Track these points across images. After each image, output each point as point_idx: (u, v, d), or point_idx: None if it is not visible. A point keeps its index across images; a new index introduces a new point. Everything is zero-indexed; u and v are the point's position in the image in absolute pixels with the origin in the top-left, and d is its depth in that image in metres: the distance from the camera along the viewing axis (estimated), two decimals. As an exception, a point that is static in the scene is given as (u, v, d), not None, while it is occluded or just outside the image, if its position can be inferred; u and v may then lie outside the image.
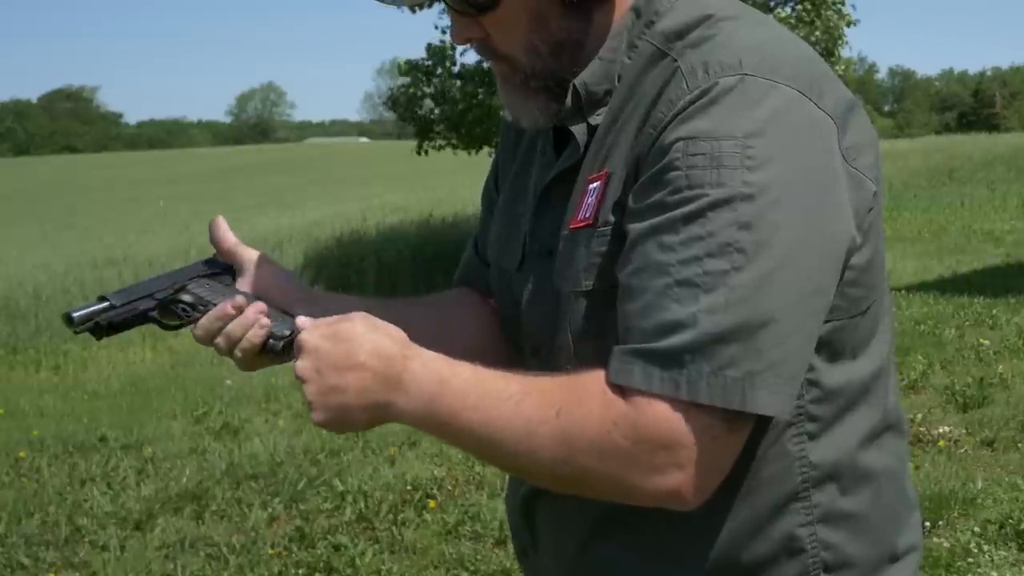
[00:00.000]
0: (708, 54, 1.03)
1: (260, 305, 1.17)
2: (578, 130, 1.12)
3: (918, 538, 1.18)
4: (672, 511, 1.02)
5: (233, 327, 1.16)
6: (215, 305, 1.18)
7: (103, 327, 1.17)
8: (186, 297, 1.20)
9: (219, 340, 1.17)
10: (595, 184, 1.08)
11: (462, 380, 1.02)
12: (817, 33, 13.46)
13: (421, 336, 1.26)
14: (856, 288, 1.05)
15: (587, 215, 1.08)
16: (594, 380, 0.99)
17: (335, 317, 1.06)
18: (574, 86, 1.10)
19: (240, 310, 1.16)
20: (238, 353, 1.17)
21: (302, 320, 1.08)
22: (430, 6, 1.28)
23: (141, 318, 1.19)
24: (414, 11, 9.79)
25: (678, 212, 0.96)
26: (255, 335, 1.16)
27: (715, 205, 0.95)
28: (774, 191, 0.95)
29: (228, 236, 1.25)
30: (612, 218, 1.05)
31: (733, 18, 1.06)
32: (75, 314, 1.16)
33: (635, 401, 0.96)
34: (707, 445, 0.95)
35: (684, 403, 0.94)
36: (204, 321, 1.17)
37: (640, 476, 0.97)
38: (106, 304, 1.18)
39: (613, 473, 0.98)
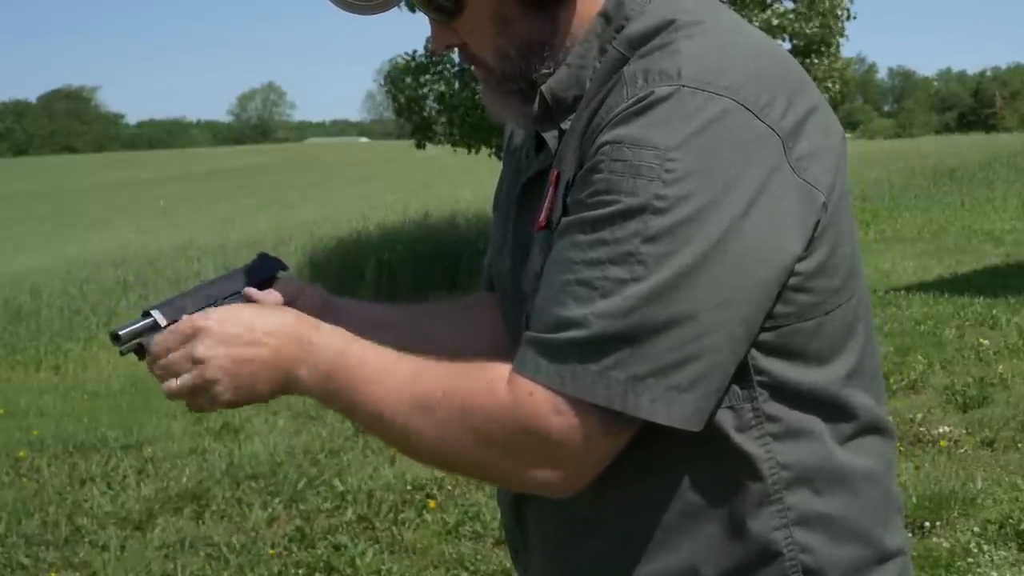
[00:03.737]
0: (652, 62, 1.03)
1: None
2: (550, 135, 1.14)
3: (904, 541, 1.18)
4: (645, 514, 1.06)
5: None
6: None
7: (146, 350, 1.17)
8: None
9: None
10: (551, 187, 1.11)
11: (358, 356, 1.07)
12: (815, 27, 13.42)
13: (441, 340, 1.32)
14: (806, 294, 1.04)
15: (543, 217, 1.11)
16: (487, 369, 1.03)
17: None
18: (541, 92, 1.12)
19: None
20: None
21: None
22: (413, 10, 1.31)
23: None
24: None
25: (592, 213, 0.99)
26: None
27: (625, 213, 0.97)
28: (687, 207, 0.96)
29: None
30: (557, 220, 1.07)
31: (695, 24, 1.06)
32: (121, 332, 1.16)
33: (518, 392, 0.99)
34: (581, 443, 0.99)
35: (565, 398, 0.97)
36: None
37: (513, 465, 1.02)
38: (150, 321, 1.17)
39: (486, 460, 1.03)
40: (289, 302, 1.27)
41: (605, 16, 1.10)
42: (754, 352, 1.03)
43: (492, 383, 1.01)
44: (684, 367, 0.97)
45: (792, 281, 1.03)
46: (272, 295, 1.29)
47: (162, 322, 1.17)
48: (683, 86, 0.99)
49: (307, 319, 1.11)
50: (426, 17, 1.15)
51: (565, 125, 1.12)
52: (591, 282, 0.97)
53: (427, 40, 13.64)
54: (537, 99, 1.12)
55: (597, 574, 1.13)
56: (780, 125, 1.01)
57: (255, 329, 1.09)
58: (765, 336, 1.03)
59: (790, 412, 1.06)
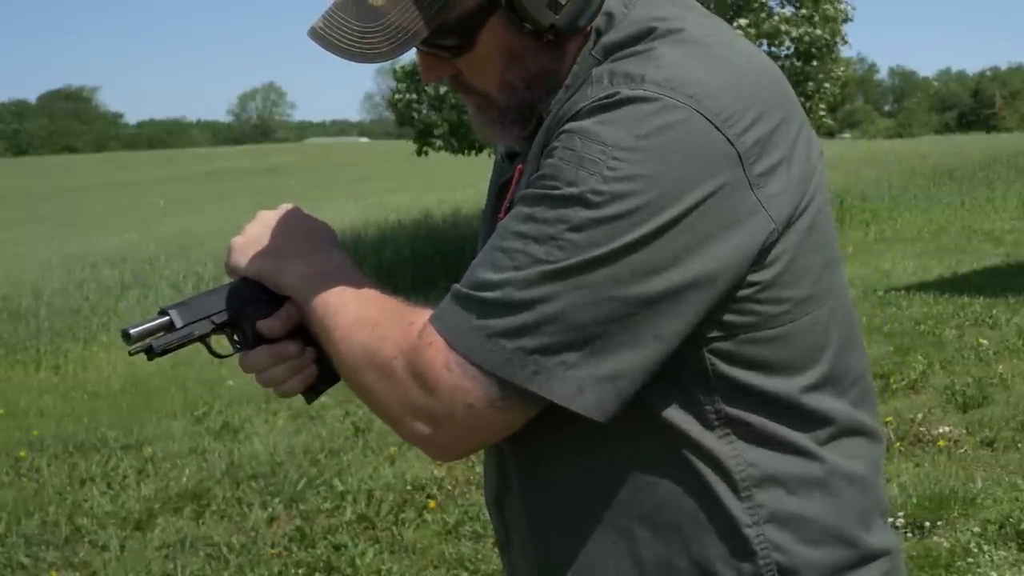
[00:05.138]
0: (621, 65, 1.04)
1: (312, 353, 1.19)
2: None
3: (890, 542, 1.17)
4: (614, 511, 1.07)
5: (281, 370, 1.19)
6: (267, 340, 1.17)
7: (156, 352, 1.15)
8: (244, 325, 1.18)
9: (264, 376, 1.19)
10: (513, 182, 1.14)
11: (355, 277, 1.13)
12: (818, 31, 13.42)
13: None
14: (765, 304, 1.04)
15: (503, 210, 1.14)
16: (417, 311, 1.06)
17: None
18: (540, 116, 1.12)
19: (293, 356, 1.18)
20: (277, 389, 1.20)
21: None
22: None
23: (195, 341, 1.17)
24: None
25: (534, 191, 1.01)
26: (297, 385, 1.20)
27: (560, 200, 0.99)
28: (618, 206, 0.97)
29: None
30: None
31: (674, 32, 1.06)
32: (132, 330, 1.13)
33: (423, 338, 1.02)
34: (462, 406, 1.01)
35: (458, 355, 1.00)
36: (255, 359, 1.18)
37: (400, 407, 1.05)
38: (166, 320, 1.15)
39: (381, 394, 1.06)
40: None
41: (597, 32, 1.10)
42: (712, 359, 1.04)
43: (412, 325, 1.04)
44: (574, 348, 0.99)
45: (745, 292, 1.03)
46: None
47: (178, 323, 1.15)
48: (645, 89, 1.00)
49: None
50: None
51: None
52: (511, 252, 1.00)
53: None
54: (534, 122, 1.12)
55: (572, 569, 1.13)
56: (742, 139, 1.01)
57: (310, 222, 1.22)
58: (722, 344, 1.04)
59: (754, 416, 1.07)
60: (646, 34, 1.06)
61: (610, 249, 0.97)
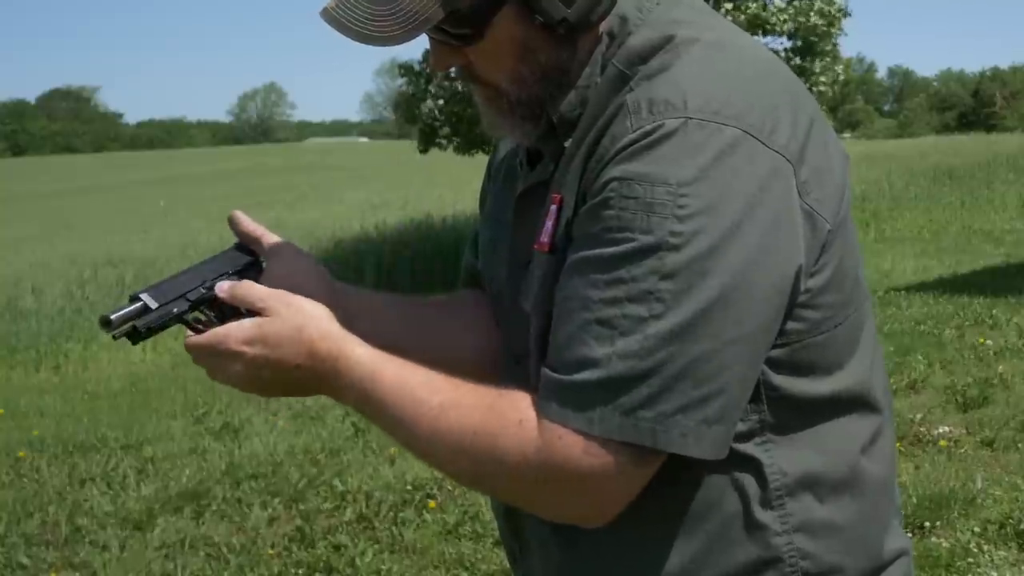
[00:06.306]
0: (655, 90, 1.02)
1: None
2: (548, 148, 1.14)
3: (906, 542, 1.18)
4: (642, 520, 1.06)
5: None
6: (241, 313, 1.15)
7: (141, 333, 1.15)
8: (218, 299, 1.18)
9: None
10: (553, 207, 1.10)
11: (387, 383, 1.05)
12: (815, 19, 13.40)
13: (429, 337, 1.28)
14: (816, 310, 1.05)
15: (545, 239, 1.10)
16: (516, 405, 1.02)
17: (265, 302, 1.09)
18: (548, 114, 1.11)
19: None
20: None
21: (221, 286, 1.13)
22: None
23: (176, 320, 1.17)
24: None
25: (607, 251, 0.98)
26: None
27: (641, 251, 0.96)
28: (703, 242, 0.96)
29: (251, 227, 1.25)
30: (561, 245, 1.07)
31: (693, 42, 1.05)
32: (113, 316, 1.13)
33: (547, 436, 0.99)
34: (614, 479, 0.99)
35: (594, 439, 0.97)
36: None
37: (546, 501, 1.03)
38: (140, 305, 1.15)
39: (522, 496, 1.05)
40: (296, 285, 1.17)
41: (610, 34, 1.09)
42: (765, 368, 1.04)
43: (522, 425, 1.00)
44: (711, 401, 0.97)
45: (802, 298, 1.03)
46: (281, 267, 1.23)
47: (152, 304, 1.15)
48: (690, 118, 0.98)
49: (335, 336, 1.07)
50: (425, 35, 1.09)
51: (567, 142, 1.11)
52: (610, 321, 0.96)
53: (424, 52, 13.69)
54: (543, 120, 1.11)
55: None
56: (788, 149, 1.01)
57: (289, 359, 1.06)
58: (776, 352, 1.04)
59: (795, 421, 1.07)
60: (665, 43, 1.05)
61: (712, 290, 0.95)
